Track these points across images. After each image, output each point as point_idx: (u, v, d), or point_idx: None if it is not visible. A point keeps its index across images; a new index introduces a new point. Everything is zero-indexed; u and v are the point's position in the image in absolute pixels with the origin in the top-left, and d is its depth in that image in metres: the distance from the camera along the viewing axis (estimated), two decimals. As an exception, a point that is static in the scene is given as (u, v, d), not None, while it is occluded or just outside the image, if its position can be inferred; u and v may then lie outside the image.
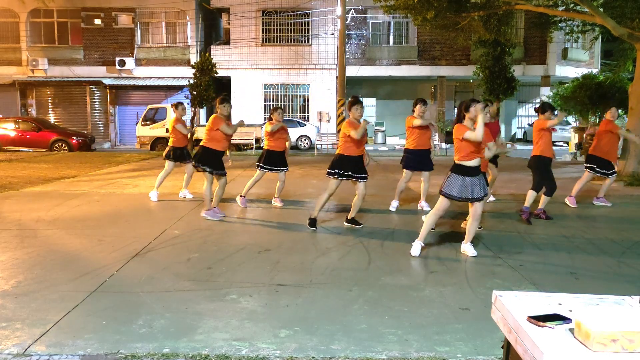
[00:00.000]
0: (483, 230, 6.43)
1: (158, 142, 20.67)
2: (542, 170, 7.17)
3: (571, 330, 1.65)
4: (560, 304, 1.88)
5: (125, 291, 4.17)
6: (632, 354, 1.50)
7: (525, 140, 28.38)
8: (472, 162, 5.11)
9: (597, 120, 17.22)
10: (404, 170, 7.63)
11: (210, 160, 6.97)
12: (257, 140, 20.83)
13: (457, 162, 5.17)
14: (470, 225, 5.33)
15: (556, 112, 7.34)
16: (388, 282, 4.47)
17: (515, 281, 4.47)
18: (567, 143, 21.84)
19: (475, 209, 5.24)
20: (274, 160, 7.94)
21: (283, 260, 5.05)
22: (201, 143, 7.08)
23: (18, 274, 4.58)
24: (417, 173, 7.65)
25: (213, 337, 3.31)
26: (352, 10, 24.43)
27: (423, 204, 7.79)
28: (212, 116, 7.07)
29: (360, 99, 6.56)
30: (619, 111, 17.30)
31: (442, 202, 5.29)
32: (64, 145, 20.23)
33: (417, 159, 7.51)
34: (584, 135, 16.44)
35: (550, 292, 2.15)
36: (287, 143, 8.04)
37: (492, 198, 8.59)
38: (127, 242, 5.69)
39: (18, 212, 7.45)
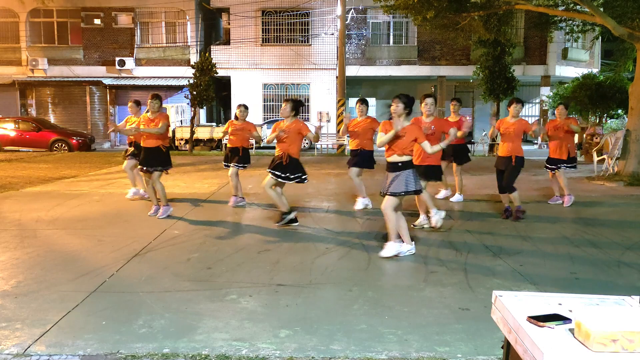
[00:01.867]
0: (482, 232, 6.43)
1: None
2: None
3: (571, 330, 1.65)
4: (560, 304, 1.88)
5: (125, 291, 4.17)
6: (632, 354, 1.50)
7: (525, 140, 28.35)
8: (389, 158, 5.17)
9: (597, 120, 17.21)
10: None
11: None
12: (257, 141, 20.81)
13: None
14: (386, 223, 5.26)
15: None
16: (388, 282, 4.47)
17: (515, 281, 4.47)
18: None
19: (383, 203, 5.19)
20: (227, 156, 8.09)
21: (283, 260, 5.05)
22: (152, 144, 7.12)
23: (18, 274, 4.58)
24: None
25: (213, 337, 3.31)
26: (352, 10, 24.43)
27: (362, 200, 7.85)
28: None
29: (296, 99, 6.64)
30: (619, 111, 17.32)
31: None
32: (64, 145, 20.22)
33: (352, 159, 7.62)
34: (584, 135, 16.44)
35: (550, 292, 2.15)
36: (253, 139, 8.07)
37: (448, 193, 8.65)
38: (127, 242, 5.69)
39: (18, 212, 7.44)
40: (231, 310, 3.77)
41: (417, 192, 5.23)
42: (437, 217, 6.36)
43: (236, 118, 8.05)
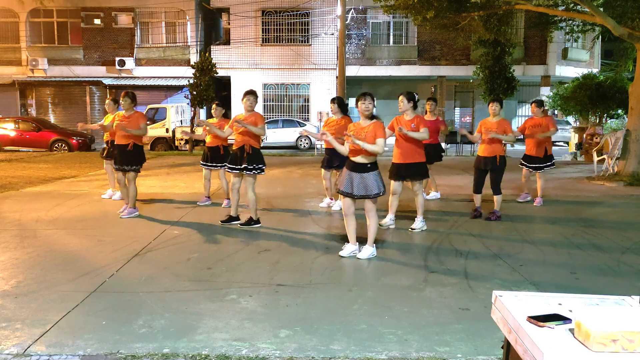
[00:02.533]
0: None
1: (158, 142, 20.68)
2: None
3: (571, 330, 1.65)
4: (560, 304, 1.88)
5: (125, 291, 4.17)
6: (632, 354, 1.50)
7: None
8: (355, 158, 5.10)
9: (597, 120, 17.21)
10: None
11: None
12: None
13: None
14: (367, 225, 5.21)
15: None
16: (388, 282, 4.46)
17: (515, 281, 4.47)
18: (567, 143, 21.83)
19: (365, 207, 5.16)
20: (207, 156, 7.99)
21: (283, 260, 5.05)
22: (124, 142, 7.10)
23: (18, 274, 4.58)
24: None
25: (213, 337, 3.31)
26: (352, 10, 24.43)
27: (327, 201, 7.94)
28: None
29: (253, 90, 6.49)
30: (619, 111, 17.31)
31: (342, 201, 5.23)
32: (64, 145, 20.21)
33: (328, 158, 7.58)
34: (584, 135, 16.44)
35: (550, 292, 2.15)
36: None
37: (437, 195, 8.67)
38: (127, 242, 5.69)
39: (18, 212, 7.44)
40: (231, 310, 3.77)
41: (382, 193, 5.17)
42: (421, 225, 6.36)
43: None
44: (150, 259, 5.11)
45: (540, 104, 8.20)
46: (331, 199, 7.91)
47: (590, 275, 4.68)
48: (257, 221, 6.60)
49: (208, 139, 7.97)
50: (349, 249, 5.21)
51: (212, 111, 7.99)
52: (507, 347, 1.95)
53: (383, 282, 4.46)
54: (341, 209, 7.65)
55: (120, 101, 7.14)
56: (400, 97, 6.26)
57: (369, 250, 5.17)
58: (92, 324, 3.50)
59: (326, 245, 5.67)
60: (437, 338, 3.32)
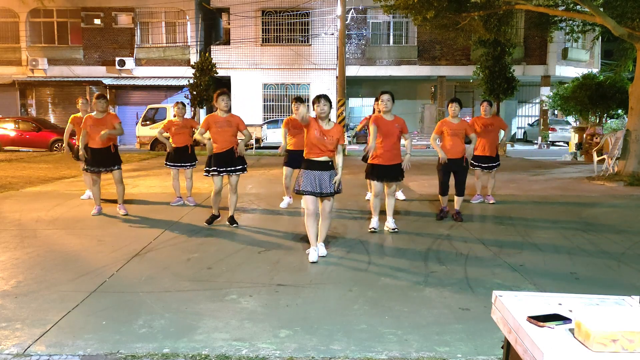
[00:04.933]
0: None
1: (158, 142, 20.67)
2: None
3: (571, 330, 1.65)
4: (560, 304, 1.88)
5: (125, 291, 4.17)
6: (632, 354, 1.50)
7: (526, 140, 28.39)
8: (320, 158, 5.11)
9: (597, 120, 17.21)
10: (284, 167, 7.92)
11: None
12: (257, 140, 20.83)
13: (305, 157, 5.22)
14: (320, 224, 5.25)
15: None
16: (388, 282, 4.47)
17: (515, 281, 4.47)
18: (567, 143, 21.83)
19: (323, 206, 5.21)
20: (170, 156, 8.03)
21: (283, 260, 5.05)
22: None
23: (18, 274, 4.58)
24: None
25: (213, 337, 3.31)
26: (352, 10, 24.43)
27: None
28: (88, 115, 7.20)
29: (226, 91, 6.48)
30: (619, 111, 17.30)
31: (303, 200, 5.21)
32: (64, 145, 20.22)
33: (296, 159, 7.49)
34: (584, 135, 16.44)
35: (550, 292, 2.15)
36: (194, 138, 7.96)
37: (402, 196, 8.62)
38: (127, 242, 5.69)
39: (18, 212, 7.44)
40: (231, 310, 3.77)
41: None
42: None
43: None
44: (150, 259, 5.11)
45: (490, 104, 8.26)
46: (290, 198, 8.06)
47: (590, 275, 4.69)
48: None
49: (172, 140, 8.02)
50: (315, 251, 5.13)
51: (175, 112, 8.01)
52: (507, 347, 1.95)
53: (383, 282, 4.46)
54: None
55: (95, 102, 7.07)
56: (387, 97, 6.09)
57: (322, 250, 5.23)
58: (92, 324, 3.50)
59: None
60: (437, 338, 3.32)
